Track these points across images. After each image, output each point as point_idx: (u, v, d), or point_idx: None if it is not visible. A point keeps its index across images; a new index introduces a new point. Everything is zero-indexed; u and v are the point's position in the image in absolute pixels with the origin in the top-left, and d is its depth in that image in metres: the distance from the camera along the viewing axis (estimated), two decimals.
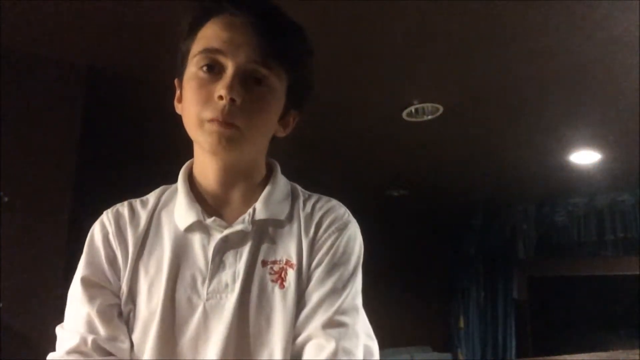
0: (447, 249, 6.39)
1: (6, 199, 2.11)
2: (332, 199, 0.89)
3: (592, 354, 1.82)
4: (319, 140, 3.38)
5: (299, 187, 0.91)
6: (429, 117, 2.98)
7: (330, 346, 0.74)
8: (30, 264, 2.13)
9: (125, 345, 0.79)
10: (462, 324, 6.14)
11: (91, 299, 0.80)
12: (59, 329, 0.82)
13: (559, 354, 1.78)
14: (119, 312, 0.81)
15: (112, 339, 0.78)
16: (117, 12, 1.99)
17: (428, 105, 2.89)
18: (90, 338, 0.77)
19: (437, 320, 6.28)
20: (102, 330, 0.78)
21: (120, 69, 2.49)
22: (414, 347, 5.78)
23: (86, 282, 0.81)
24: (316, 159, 3.90)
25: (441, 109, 2.91)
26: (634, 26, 2.04)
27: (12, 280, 2.06)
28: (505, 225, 5.83)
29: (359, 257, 0.85)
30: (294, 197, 0.88)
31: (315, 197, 0.89)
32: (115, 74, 2.52)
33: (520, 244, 5.68)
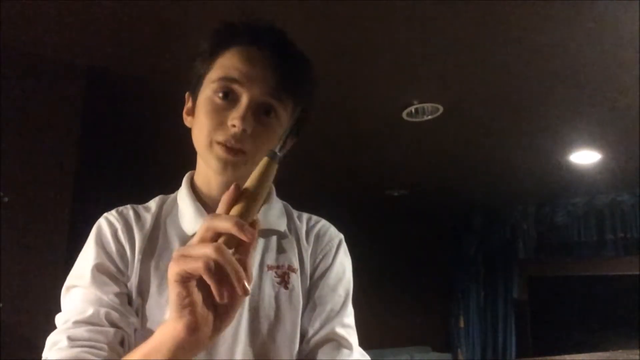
0: (447, 249, 6.39)
1: (6, 199, 2.11)
2: (319, 217, 1.00)
3: (592, 354, 1.82)
4: (319, 140, 3.38)
5: (288, 205, 1.00)
6: (429, 117, 2.98)
7: (348, 346, 0.85)
8: (30, 264, 2.13)
9: (135, 321, 0.79)
10: (462, 324, 6.15)
11: (103, 284, 0.79)
12: (59, 317, 0.79)
13: (559, 354, 1.78)
14: (128, 301, 0.81)
15: (123, 314, 0.78)
16: (117, 12, 1.99)
17: (428, 105, 2.89)
18: (102, 310, 0.76)
19: (437, 320, 6.29)
20: (114, 306, 0.78)
21: (120, 69, 2.48)
22: (414, 347, 5.79)
23: (100, 269, 0.80)
24: (316, 159, 3.90)
25: (441, 109, 2.92)
26: (634, 26, 2.04)
27: (12, 280, 2.06)
28: (505, 225, 5.83)
29: (350, 266, 0.96)
30: (287, 213, 0.97)
31: (305, 214, 0.99)
32: (115, 74, 2.52)
33: (520, 244, 5.69)
